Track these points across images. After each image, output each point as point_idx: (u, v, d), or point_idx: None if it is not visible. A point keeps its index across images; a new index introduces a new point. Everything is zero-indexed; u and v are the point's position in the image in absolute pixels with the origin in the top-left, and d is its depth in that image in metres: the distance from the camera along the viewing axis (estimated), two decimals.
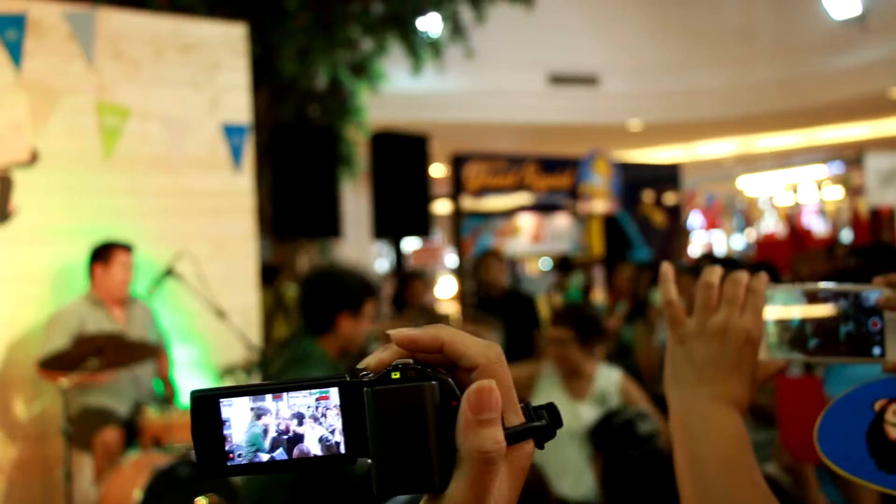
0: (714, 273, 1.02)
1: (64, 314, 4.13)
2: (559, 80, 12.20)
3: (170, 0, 6.16)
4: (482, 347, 0.52)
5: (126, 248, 4.26)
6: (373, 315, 3.01)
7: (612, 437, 2.94)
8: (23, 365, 4.18)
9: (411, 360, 0.52)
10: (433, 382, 0.51)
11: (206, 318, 4.55)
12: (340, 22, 7.21)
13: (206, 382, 4.80)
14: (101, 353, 3.65)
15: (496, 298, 5.84)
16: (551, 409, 0.54)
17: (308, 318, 2.95)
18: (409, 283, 6.77)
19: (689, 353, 1.01)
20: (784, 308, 1.04)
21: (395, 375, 0.51)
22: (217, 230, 4.98)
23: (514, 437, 0.51)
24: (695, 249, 14.16)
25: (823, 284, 1.04)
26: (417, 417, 0.50)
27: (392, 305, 6.89)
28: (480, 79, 11.06)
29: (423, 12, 7.81)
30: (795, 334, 1.04)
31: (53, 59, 4.44)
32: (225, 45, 5.09)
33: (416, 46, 7.83)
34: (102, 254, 4.22)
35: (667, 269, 1.04)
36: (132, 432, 4.01)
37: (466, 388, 0.51)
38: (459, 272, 9.74)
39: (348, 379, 0.53)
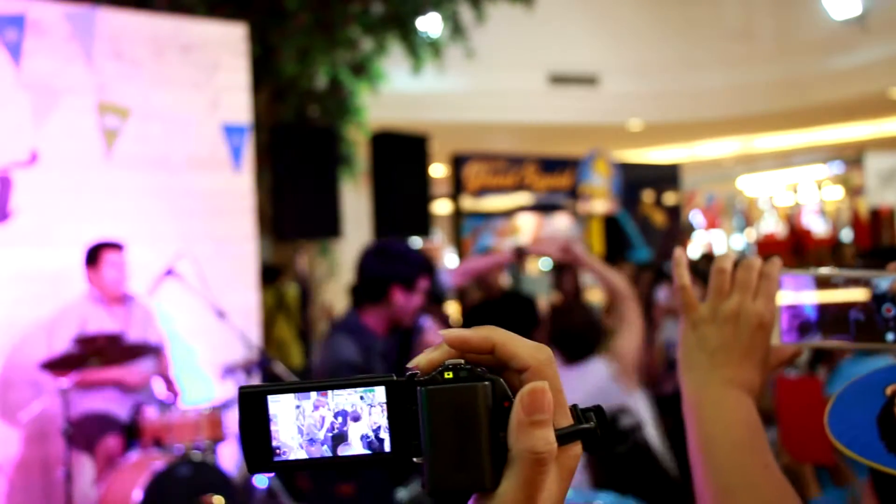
0: (727, 258, 1.02)
1: (65, 314, 4.13)
2: (559, 79, 12.19)
3: (170, 0, 6.16)
4: (533, 349, 0.53)
5: (115, 246, 4.21)
6: (426, 291, 3.04)
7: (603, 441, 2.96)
8: (23, 365, 4.18)
9: (462, 361, 0.53)
10: (486, 383, 0.52)
11: (207, 318, 4.55)
12: (340, 22, 7.21)
13: (206, 382, 4.80)
14: (102, 353, 3.65)
15: (495, 300, 5.83)
16: (598, 411, 0.55)
17: (361, 287, 2.98)
18: None
19: (702, 338, 1.01)
20: (796, 294, 1.04)
21: (448, 375, 0.52)
22: (217, 230, 4.98)
23: (564, 438, 0.52)
24: (695, 249, 14.15)
25: (835, 271, 1.03)
26: (470, 417, 0.51)
27: None
28: (480, 79, 11.05)
29: (423, 12, 7.81)
30: (807, 320, 1.03)
31: (53, 59, 4.44)
32: (225, 45, 5.09)
33: (416, 46, 7.83)
34: (91, 256, 4.19)
35: (680, 254, 1.05)
36: (132, 432, 4.02)
37: (515, 390, 0.52)
38: None
39: (395, 378, 0.54)
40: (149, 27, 4.84)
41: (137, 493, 3.53)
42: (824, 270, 1.04)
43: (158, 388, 4.28)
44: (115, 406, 4.14)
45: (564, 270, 8.76)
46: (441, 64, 8.09)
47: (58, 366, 3.66)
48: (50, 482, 4.20)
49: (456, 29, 7.97)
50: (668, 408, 4.02)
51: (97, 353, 3.64)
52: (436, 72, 8.43)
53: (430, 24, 8.00)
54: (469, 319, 6.00)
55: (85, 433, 3.95)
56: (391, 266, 2.95)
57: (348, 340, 2.89)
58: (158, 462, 3.63)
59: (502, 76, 11.40)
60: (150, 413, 3.89)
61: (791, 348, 1.04)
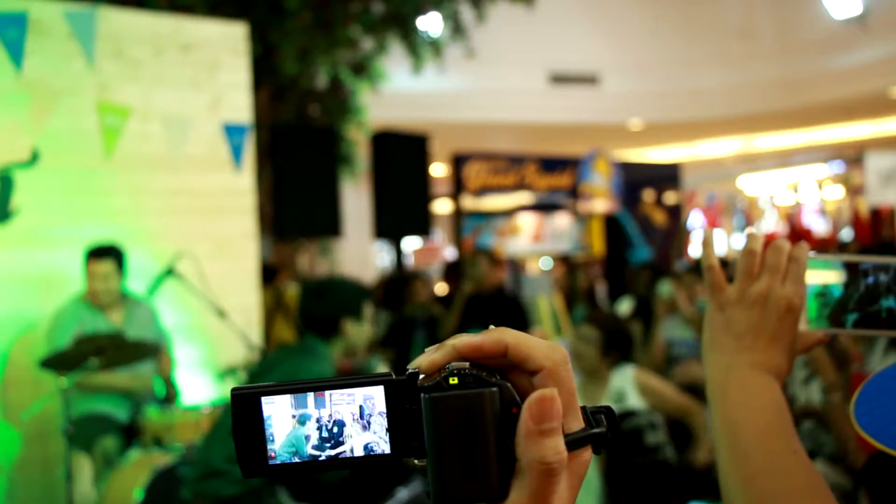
0: (756, 240, 1.01)
1: (65, 314, 4.12)
2: (560, 79, 12.20)
3: (170, 0, 6.15)
4: (547, 350, 0.51)
5: (97, 254, 4.12)
6: (371, 316, 3.12)
7: (618, 441, 2.97)
8: (23, 365, 4.18)
9: (467, 364, 0.50)
10: (493, 389, 0.49)
11: (207, 318, 4.55)
12: (341, 21, 7.20)
13: (206, 382, 4.80)
14: (102, 353, 3.65)
15: (486, 295, 5.82)
16: (609, 412, 0.53)
17: (313, 326, 3.03)
18: (409, 283, 6.77)
19: (728, 321, 0.99)
20: (824, 279, 1.01)
21: (453, 381, 0.50)
22: (217, 230, 4.97)
23: (574, 444, 0.50)
24: (695, 249, 14.15)
25: (865, 257, 1.01)
26: (477, 425, 0.49)
27: (383, 305, 6.89)
28: (480, 79, 11.06)
29: (423, 12, 7.81)
30: (835, 307, 1.01)
31: (53, 59, 4.44)
32: (225, 44, 5.09)
33: (416, 46, 7.83)
34: (84, 262, 4.17)
35: (708, 234, 1.04)
36: (132, 432, 4.01)
37: (525, 391, 0.50)
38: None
39: (394, 377, 0.52)
40: (149, 26, 4.84)
41: (138, 493, 3.52)
42: (853, 256, 1.01)
43: (158, 388, 4.28)
44: (115, 408, 4.13)
45: (578, 268, 8.75)
46: (441, 63, 8.09)
47: (58, 365, 3.66)
48: (50, 482, 4.19)
49: (456, 28, 7.98)
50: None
51: (97, 352, 3.64)
52: (436, 71, 8.43)
53: (430, 23, 8.00)
54: (463, 312, 5.96)
55: (84, 435, 3.94)
56: (337, 301, 3.03)
57: (322, 366, 2.96)
58: (159, 462, 3.63)
59: (502, 75, 11.41)
60: (151, 413, 3.89)
61: (818, 334, 1.02)
